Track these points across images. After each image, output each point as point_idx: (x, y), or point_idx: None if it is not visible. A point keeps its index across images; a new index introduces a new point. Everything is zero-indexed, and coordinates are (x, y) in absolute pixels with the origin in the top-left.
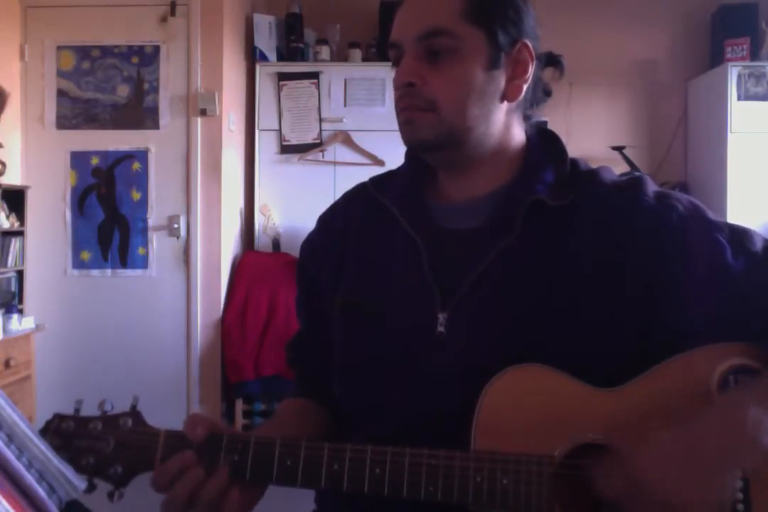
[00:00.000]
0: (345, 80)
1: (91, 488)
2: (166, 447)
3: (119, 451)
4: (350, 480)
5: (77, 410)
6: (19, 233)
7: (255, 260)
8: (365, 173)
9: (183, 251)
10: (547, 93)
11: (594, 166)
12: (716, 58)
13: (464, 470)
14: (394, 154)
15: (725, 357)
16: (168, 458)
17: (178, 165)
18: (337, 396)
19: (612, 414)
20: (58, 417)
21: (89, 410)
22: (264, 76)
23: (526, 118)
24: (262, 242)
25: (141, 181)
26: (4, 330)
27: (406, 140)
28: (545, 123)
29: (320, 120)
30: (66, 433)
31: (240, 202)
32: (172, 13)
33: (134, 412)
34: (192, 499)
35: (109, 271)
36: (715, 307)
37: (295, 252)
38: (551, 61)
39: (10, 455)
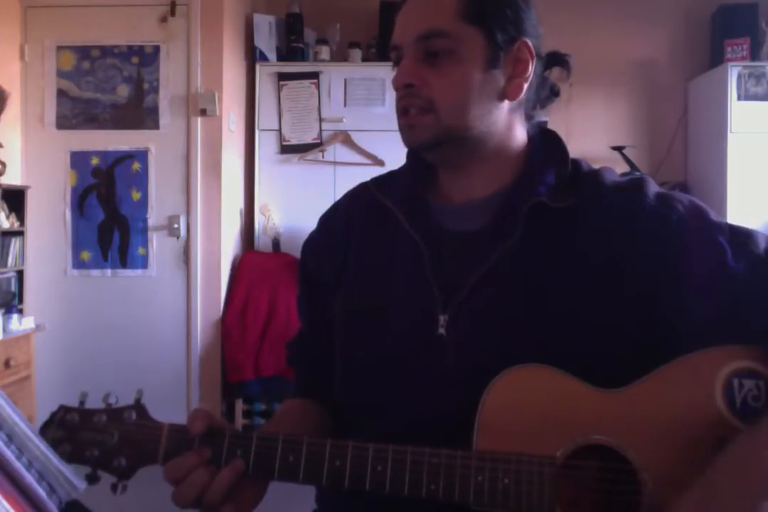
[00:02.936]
0: (345, 80)
1: (94, 480)
2: (169, 440)
3: (123, 444)
4: (351, 478)
5: (82, 402)
6: (19, 233)
7: (255, 260)
8: (365, 173)
9: (183, 251)
10: (555, 93)
11: (595, 166)
12: (716, 58)
13: (466, 469)
14: (394, 154)
15: (729, 360)
16: (171, 451)
17: (178, 165)
18: (338, 396)
19: (615, 415)
20: (64, 409)
21: (91, 406)
22: (264, 76)
23: (529, 117)
24: (262, 242)
25: (141, 181)
26: (4, 330)
27: (407, 143)
28: (545, 123)
29: (320, 120)
30: (71, 425)
31: (240, 202)
32: (172, 13)
33: (138, 405)
34: (198, 499)
35: (109, 271)
36: (715, 309)
37: (295, 252)
38: (558, 60)
39: (10, 455)
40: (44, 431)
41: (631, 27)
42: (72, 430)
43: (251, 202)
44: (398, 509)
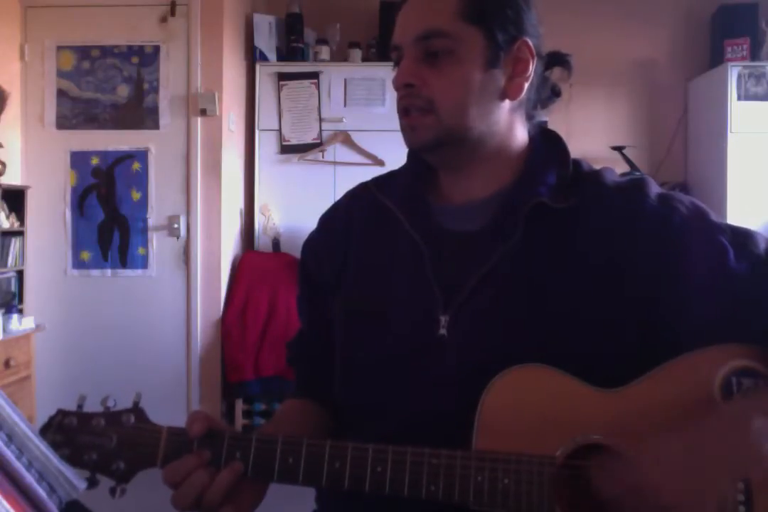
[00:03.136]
0: (345, 80)
1: (93, 483)
2: (168, 443)
3: (122, 447)
4: (351, 479)
5: (80, 406)
6: (19, 233)
7: (255, 260)
8: (365, 173)
9: (183, 251)
10: (556, 93)
11: (596, 166)
12: (716, 58)
13: (465, 469)
14: (394, 154)
15: (728, 359)
16: (170, 455)
17: (178, 165)
18: (338, 396)
19: (615, 415)
20: (62, 413)
21: (89, 409)
22: (264, 76)
23: (529, 117)
24: (262, 242)
25: (141, 181)
26: (4, 330)
27: (408, 144)
28: (545, 123)
29: (320, 120)
30: (69, 429)
31: (240, 202)
32: (172, 13)
33: (137, 409)
34: (197, 500)
35: (109, 271)
36: (716, 309)
37: (295, 252)
38: (558, 60)
39: (10, 455)
40: (42, 435)
41: (631, 27)
42: (70, 434)
43: (251, 202)
44: (398, 509)
